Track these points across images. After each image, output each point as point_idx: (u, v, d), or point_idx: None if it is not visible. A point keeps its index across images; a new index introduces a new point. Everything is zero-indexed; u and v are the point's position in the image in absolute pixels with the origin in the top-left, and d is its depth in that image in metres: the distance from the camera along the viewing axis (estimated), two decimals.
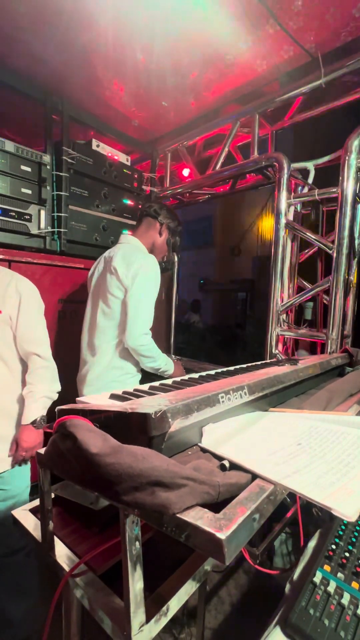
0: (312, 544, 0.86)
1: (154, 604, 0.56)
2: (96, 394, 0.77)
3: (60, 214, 1.88)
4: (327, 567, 0.77)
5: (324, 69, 1.61)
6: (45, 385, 1.32)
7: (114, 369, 1.52)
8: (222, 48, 1.58)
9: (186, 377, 0.94)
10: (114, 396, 0.73)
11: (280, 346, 1.87)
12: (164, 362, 1.55)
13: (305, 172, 1.96)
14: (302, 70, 1.70)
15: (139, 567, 0.50)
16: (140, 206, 2.19)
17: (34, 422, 1.28)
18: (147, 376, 1.65)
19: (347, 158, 1.52)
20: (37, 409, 1.28)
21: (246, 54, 1.62)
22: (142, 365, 1.52)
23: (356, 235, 1.76)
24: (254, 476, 0.50)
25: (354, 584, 0.73)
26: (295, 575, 0.78)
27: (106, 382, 1.51)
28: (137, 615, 0.50)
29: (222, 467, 0.54)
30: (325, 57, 1.60)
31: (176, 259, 2.67)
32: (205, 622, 1.39)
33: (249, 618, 1.51)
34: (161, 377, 1.51)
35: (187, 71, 1.75)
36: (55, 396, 1.36)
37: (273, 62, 1.67)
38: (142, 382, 1.64)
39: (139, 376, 1.63)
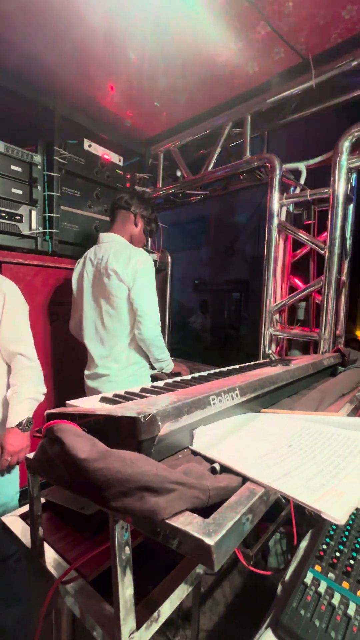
0: (303, 544, 0.86)
1: (145, 609, 0.56)
2: (92, 396, 0.76)
3: (51, 215, 1.86)
4: (318, 568, 0.77)
5: (315, 71, 1.62)
6: (31, 386, 1.29)
7: (132, 365, 1.58)
8: (214, 49, 1.59)
9: (178, 379, 0.94)
10: (104, 399, 0.72)
11: (273, 346, 1.87)
12: (168, 355, 1.61)
13: (297, 173, 1.97)
14: (293, 71, 1.71)
15: (129, 573, 0.49)
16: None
17: (19, 425, 1.24)
18: None
19: (338, 159, 1.54)
20: (22, 411, 1.25)
21: (237, 55, 1.62)
22: (152, 356, 1.56)
23: (348, 235, 1.78)
24: (245, 479, 0.50)
25: (345, 584, 0.73)
26: (287, 576, 0.78)
27: (126, 377, 1.56)
28: (127, 622, 0.49)
29: (213, 470, 0.53)
30: (315, 58, 1.61)
31: (169, 259, 2.67)
32: (199, 624, 1.38)
33: (244, 619, 1.51)
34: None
35: (179, 71, 1.75)
36: (42, 398, 1.34)
37: (264, 63, 1.68)
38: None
39: (149, 371, 1.69)
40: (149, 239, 1.84)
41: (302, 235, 1.75)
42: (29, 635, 1.29)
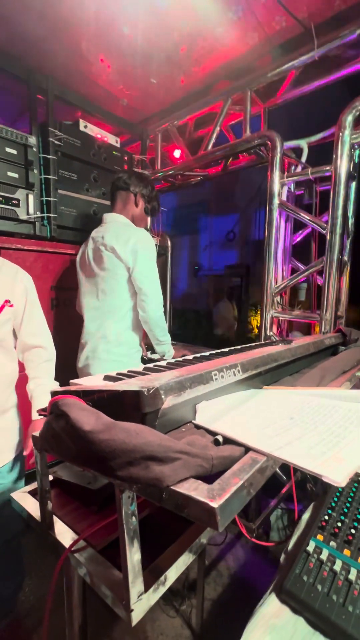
0: (305, 516, 0.89)
1: (152, 574, 0.58)
2: (97, 374, 0.77)
3: (49, 199, 1.83)
4: (320, 537, 0.79)
5: (317, 41, 1.56)
6: (52, 378, 1.31)
7: (122, 345, 1.56)
8: (212, 19, 1.52)
9: (180, 358, 0.94)
10: (107, 377, 0.73)
11: (274, 328, 1.88)
12: (170, 338, 1.60)
13: (298, 151, 1.93)
14: (294, 42, 1.64)
15: (136, 540, 0.51)
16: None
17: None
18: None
19: (340, 134, 1.49)
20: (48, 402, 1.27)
21: (237, 26, 1.55)
22: (154, 337, 1.55)
23: (350, 214, 1.75)
24: (247, 449, 0.51)
25: (346, 552, 0.75)
26: (290, 546, 0.80)
27: (115, 357, 1.54)
28: (136, 585, 0.51)
29: (216, 442, 0.54)
30: (318, 27, 1.54)
31: (169, 243, 2.64)
32: (205, 594, 1.44)
33: (247, 589, 1.57)
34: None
35: (176, 46, 1.68)
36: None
37: (264, 33, 1.61)
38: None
39: (141, 351, 1.67)
40: (152, 219, 1.79)
41: (304, 215, 1.72)
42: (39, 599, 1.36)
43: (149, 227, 2.54)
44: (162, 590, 0.56)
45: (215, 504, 0.38)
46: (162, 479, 0.42)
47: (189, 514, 0.41)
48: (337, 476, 0.39)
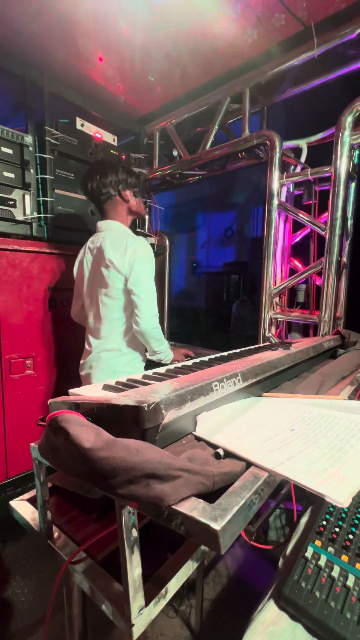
0: (303, 520, 0.89)
1: (153, 586, 0.58)
2: (95, 384, 0.76)
3: (46, 199, 1.81)
4: (318, 542, 0.80)
5: (317, 39, 1.54)
6: None
7: (124, 355, 1.55)
8: (211, 16, 1.49)
9: (180, 365, 0.94)
10: (107, 387, 0.73)
11: (273, 329, 1.87)
12: (167, 346, 1.58)
13: (297, 151, 1.91)
14: (294, 40, 1.62)
15: (136, 553, 0.51)
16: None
17: None
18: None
19: (340, 135, 1.48)
20: None
21: (236, 23, 1.53)
22: (150, 349, 1.53)
23: (349, 215, 1.74)
24: (248, 464, 0.51)
25: (344, 557, 0.75)
26: (288, 551, 0.81)
27: (119, 367, 1.53)
28: (136, 599, 0.51)
29: (217, 456, 0.54)
30: (318, 26, 1.52)
31: (167, 242, 2.63)
32: (204, 594, 1.45)
33: (246, 590, 1.59)
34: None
35: (174, 42, 1.65)
36: None
37: (264, 31, 1.59)
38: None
39: (145, 361, 1.66)
40: (144, 194, 1.69)
41: (303, 216, 1.71)
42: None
43: (147, 222, 2.53)
44: (164, 602, 0.56)
45: (217, 526, 0.37)
46: (163, 497, 0.42)
47: (190, 534, 0.40)
48: (339, 496, 0.39)
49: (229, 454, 0.54)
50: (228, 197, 7.33)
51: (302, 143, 1.83)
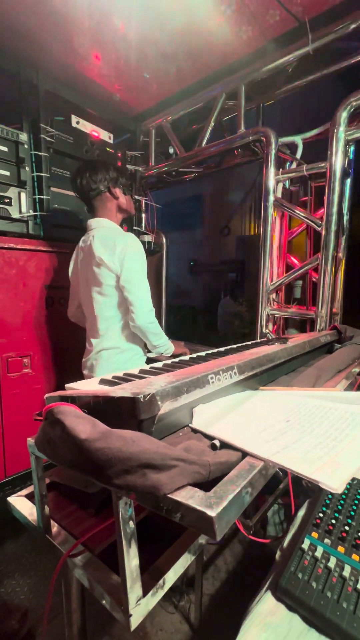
0: (300, 513, 0.90)
1: (150, 577, 0.58)
2: (91, 379, 0.77)
3: (41, 197, 1.80)
4: (314, 534, 0.80)
5: (312, 35, 1.54)
6: None
7: (124, 352, 1.55)
8: (206, 13, 1.49)
9: (177, 359, 0.94)
10: (103, 381, 0.73)
11: (270, 325, 1.88)
12: (166, 339, 1.58)
13: (293, 147, 1.92)
14: (289, 36, 1.62)
15: (134, 545, 0.51)
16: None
17: None
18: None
19: (335, 131, 1.49)
20: None
21: (230, 19, 1.53)
22: (149, 343, 1.53)
23: (345, 211, 1.75)
24: (244, 454, 0.51)
25: (340, 548, 0.76)
26: (285, 543, 0.81)
27: (119, 364, 1.53)
28: (134, 590, 0.51)
29: (213, 447, 0.55)
30: (313, 21, 1.52)
31: (164, 240, 2.63)
32: (203, 589, 1.46)
33: (244, 584, 1.60)
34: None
35: (169, 39, 1.65)
36: None
37: (259, 27, 1.59)
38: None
39: (145, 356, 1.66)
40: (131, 191, 1.68)
41: (299, 212, 1.72)
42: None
43: (143, 220, 2.53)
44: (161, 593, 0.57)
45: (212, 513, 0.38)
46: (159, 487, 0.42)
47: (186, 522, 0.41)
48: (334, 482, 0.39)
49: (225, 445, 0.54)
50: (225, 194, 7.33)
51: (298, 139, 1.84)
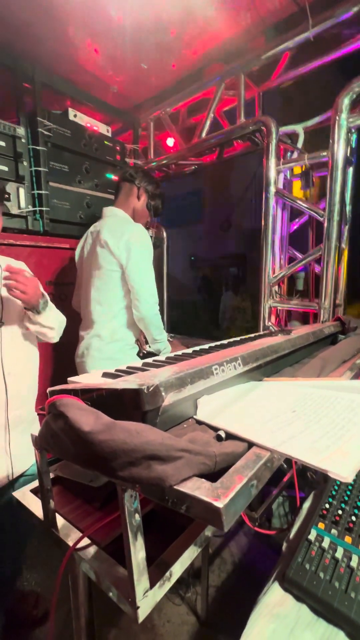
0: (306, 505, 0.89)
1: (157, 570, 0.58)
2: (93, 371, 0.76)
3: (40, 192, 1.79)
4: (321, 525, 0.80)
5: (312, 20, 1.50)
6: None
7: (116, 342, 1.54)
8: (203, 1, 1.46)
9: (180, 352, 0.93)
10: (106, 374, 0.72)
11: (273, 318, 1.87)
12: (166, 336, 1.58)
13: (294, 137, 1.89)
14: (288, 22, 1.59)
15: (140, 538, 0.50)
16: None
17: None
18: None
19: (337, 118, 1.46)
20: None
21: (228, 6, 1.49)
22: (150, 336, 1.51)
23: (347, 201, 1.72)
24: (250, 444, 0.50)
25: (347, 539, 0.76)
26: (292, 534, 0.81)
27: (110, 354, 1.52)
28: (141, 582, 0.51)
29: (218, 438, 0.54)
30: (313, 6, 1.49)
31: (165, 234, 2.61)
32: (209, 581, 1.47)
33: (250, 576, 1.60)
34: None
35: (166, 28, 1.62)
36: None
37: (257, 14, 1.55)
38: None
39: (137, 348, 1.64)
40: (153, 216, 1.76)
41: (301, 203, 1.69)
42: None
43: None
44: (168, 585, 0.56)
45: (220, 504, 0.37)
46: (164, 478, 0.41)
47: (193, 513, 0.40)
48: (343, 471, 0.39)
49: (230, 436, 0.53)
50: (225, 187, 7.26)
51: (299, 128, 1.81)
